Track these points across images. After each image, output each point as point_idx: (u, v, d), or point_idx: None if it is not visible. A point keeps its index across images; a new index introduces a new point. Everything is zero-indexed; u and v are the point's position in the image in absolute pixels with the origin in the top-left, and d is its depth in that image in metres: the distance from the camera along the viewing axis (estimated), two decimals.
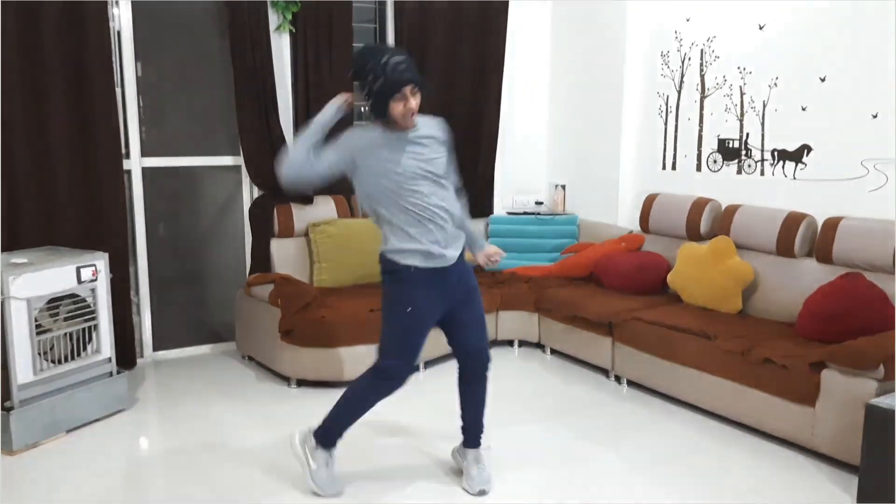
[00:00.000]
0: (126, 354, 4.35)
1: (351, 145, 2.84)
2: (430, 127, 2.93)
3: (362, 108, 4.70)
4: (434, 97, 5.24)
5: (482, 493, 3.05)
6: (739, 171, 4.57)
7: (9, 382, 3.42)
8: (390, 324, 2.94)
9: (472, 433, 3.14)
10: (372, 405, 2.99)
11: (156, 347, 4.80)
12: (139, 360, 4.64)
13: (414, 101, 2.73)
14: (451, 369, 3.16)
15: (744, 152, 4.53)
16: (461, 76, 5.38)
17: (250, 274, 4.80)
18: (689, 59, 4.81)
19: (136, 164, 4.57)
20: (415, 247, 2.82)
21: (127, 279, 4.43)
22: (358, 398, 2.99)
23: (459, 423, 3.16)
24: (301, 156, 2.82)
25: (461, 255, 2.96)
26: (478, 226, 5.44)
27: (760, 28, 4.37)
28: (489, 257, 3.17)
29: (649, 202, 4.93)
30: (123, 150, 4.43)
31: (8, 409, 3.42)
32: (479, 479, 3.07)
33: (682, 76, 4.87)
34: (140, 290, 4.69)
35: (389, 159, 2.78)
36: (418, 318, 2.89)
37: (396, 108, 2.71)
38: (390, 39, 5.26)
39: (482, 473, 3.09)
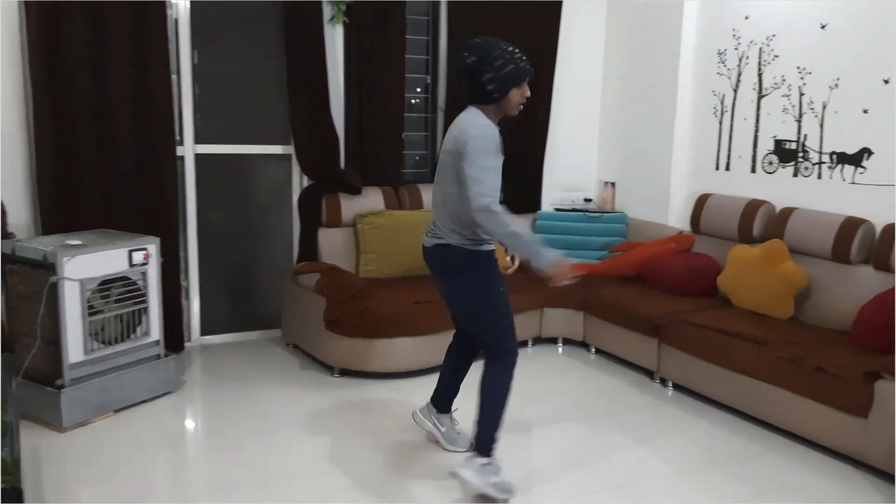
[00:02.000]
0: (174, 338, 4.43)
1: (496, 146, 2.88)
2: None
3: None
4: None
5: (472, 445, 3.05)
6: (796, 174, 4.45)
7: (60, 362, 3.51)
8: (496, 308, 3.02)
9: (450, 400, 3.42)
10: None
11: (203, 332, 4.88)
12: (187, 344, 4.73)
13: (528, 92, 2.93)
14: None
15: (801, 154, 4.41)
16: None
17: (297, 262, 4.85)
18: (747, 57, 4.69)
19: (189, 150, 4.64)
20: (488, 237, 2.97)
21: (177, 264, 4.51)
22: (503, 392, 3.04)
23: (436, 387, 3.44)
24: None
25: None
26: (525, 222, 5.42)
27: (822, 27, 4.24)
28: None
29: (701, 202, 4.84)
30: (177, 137, 4.51)
31: (59, 388, 3.51)
32: (464, 438, 3.38)
33: (739, 75, 4.76)
34: (189, 274, 4.77)
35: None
36: (507, 294, 3.05)
37: (516, 95, 2.89)
38: (443, 33, 5.24)
39: (463, 434, 3.40)
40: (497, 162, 2.83)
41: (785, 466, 3.36)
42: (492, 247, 2.99)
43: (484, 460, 2.94)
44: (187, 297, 4.77)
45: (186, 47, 4.53)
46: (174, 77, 4.45)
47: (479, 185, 2.74)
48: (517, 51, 2.87)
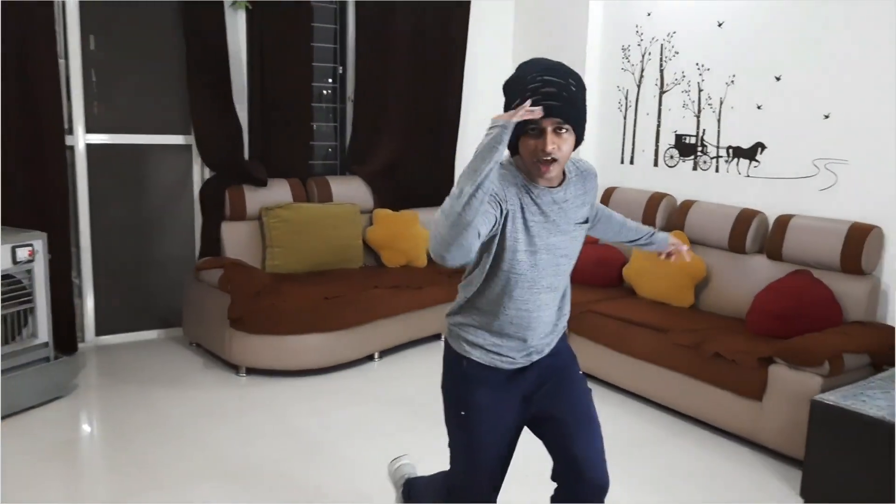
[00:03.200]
0: (66, 339, 4.19)
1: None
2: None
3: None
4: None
5: None
6: (695, 167, 4.60)
7: None
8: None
9: None
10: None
11: (99, 332, 4.64)
12: (80, 345, 4.48)
13: (553, 143, 1.87)
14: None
15: (700, 148, 4.56)
16: (420, 59, 5.29)
17: (200, 258, 4.67)
18: (650, 53, 4.82)
19: (79, 140, 4.39)
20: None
21: (68, 260, 4.25)
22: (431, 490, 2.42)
23: None
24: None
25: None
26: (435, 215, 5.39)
27: (719, 25, 4.39)
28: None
29: (607, 195, 4.94)
30: (66, 126, 4.26)
31: None
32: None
33: (643, 71, 4.88)
34: (83, 271, 4.52)
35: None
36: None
37: (526, 145, 1.92)
38: (351, 19, 5.16)
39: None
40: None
41: (687, 450, 3.47)
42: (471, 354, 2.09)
43: None
44: (80, 296, 4.53)
45: (75, 30, 4.27)
46: (62, 62, 4.20)
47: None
48: (546, 75, 1.99)
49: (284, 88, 4.81)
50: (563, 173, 2.04)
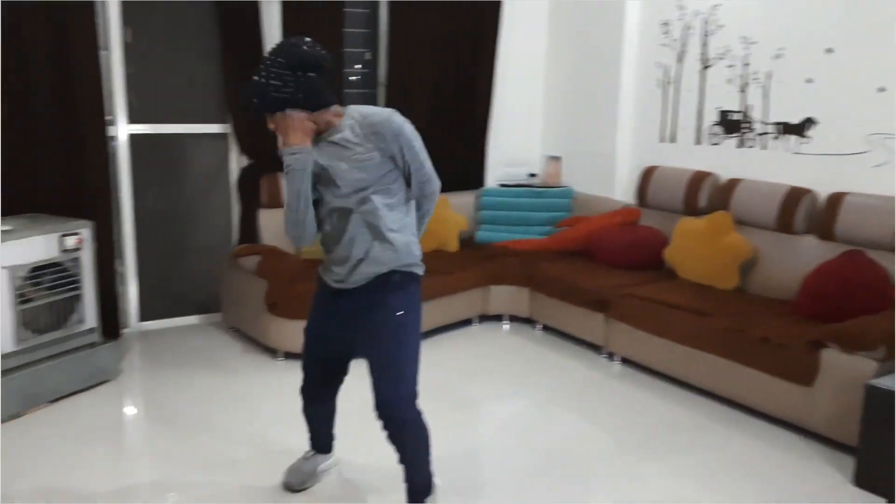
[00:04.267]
0: (111, 325, 4.26)
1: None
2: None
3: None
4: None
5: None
6: (740, 145, 4.47)
7: None
8: (417, 347, 2.55)
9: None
10: None
11: (142, 318, 4.72)
12: (124, 331, 4.56)
13: (273, 125, 2.40)
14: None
15: (745, 125, 4.42)
16: (454, 45, 5.23)
17: (237, 245, 4.70)
18: (691, 28, 4.68)
19: (121, 130, 4.44)
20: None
21: (112, 248, 4.32)
22: (426, 436, 2.60)
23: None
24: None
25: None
26: (468, 198, 5.36)
27: None
28: None
29: (647, 175, 4.83)
30: (108, 117, 4.31)
31: None
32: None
33: (684, 46, 4.74)
34: (125, 259, 4.59)
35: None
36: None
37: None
38: (383, 8, 5.12)
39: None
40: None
41: (731, 437, 3.39)
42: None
43: (430, 495, 2.65)
44: (123, 283, 4.60)
45: (116, 23, 4.31)
46: (103, 54, 4.24)
47: (432, 170, 2.53)
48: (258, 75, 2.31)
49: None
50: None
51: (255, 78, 2.31)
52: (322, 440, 2.94)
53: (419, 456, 2.60)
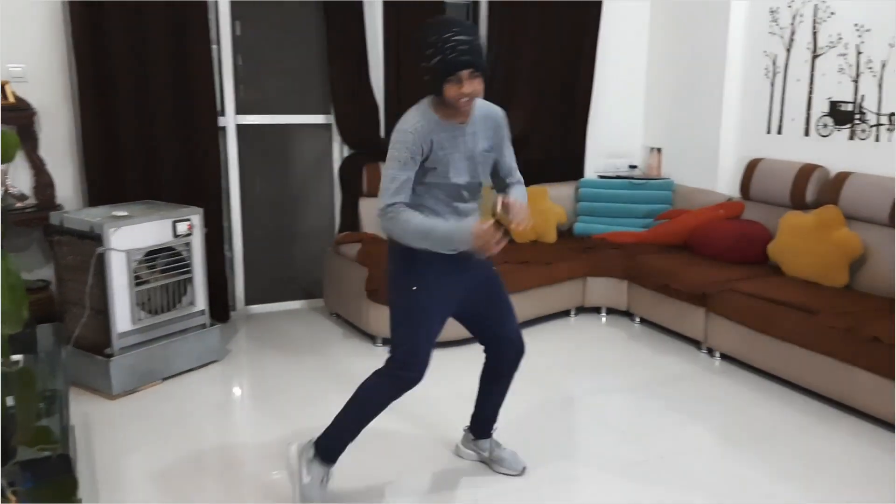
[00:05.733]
0: (219, 308, 4.48)
1: (409, 152, 2.47)
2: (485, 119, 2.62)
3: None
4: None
5: (525, 469, 2.97)
6: (852, 137, 4.27)
7: (109, 331, 3.58)
8: (396, 311, 2.75)
9: (489, 424, 3.00)
10: (383, 407, 2.70)
11: (247, 302, 4.93)
12: (232, 314, 4.78)
13: (469, 87, 2.41)
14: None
15: (857, 116, 4.22)
16: (555, 33, 5.21)
17: (339, 232, 4.85)
18: (801, 15, 4.49)
19: (230, 121, 4.65)
20: None
21: (221, 234, 4.55)
22: (371, 402, 2.71)
23: (472, 412, 3.02)
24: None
25: None
26: (567, 190, 5.33)
27: None
28: None
29: (751, 168, 4.69)
30: (219, 108, 4.52)
31: (108, 356, 3.58)
32: (514, 459, 2.98)
33: (793, 34, 4.56)
34: (234, 245, 4.80)
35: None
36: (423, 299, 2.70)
37: (451, 90, 2.42)
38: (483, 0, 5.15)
39: (513, 454, 3.00)
40: (402, 172, 2.45)
41: (837, 439, 3.26)
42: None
43: (313, 455, 2.68)
44: (231, 268, 4.82)
45: (226, 18, 4.51)
46: (214, 48, 4.45)
47: (381, 190, 2.49)
48: (459, 36, 2.36)
49: (417, 69, 4.84)
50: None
51: (468, 37, 2.37)
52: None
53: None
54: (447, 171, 2.51)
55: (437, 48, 2.38)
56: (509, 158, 2.74)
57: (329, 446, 2.69)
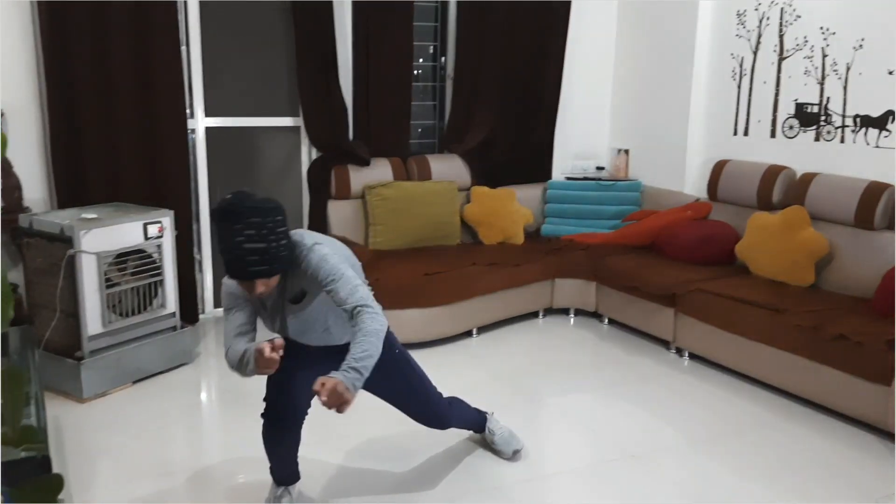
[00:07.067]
0: (189, 310, 4.43)
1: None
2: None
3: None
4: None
5: (517, 452, 3.09)
6: (817, 138, 4.36)
7: (80, 334, 3.53)
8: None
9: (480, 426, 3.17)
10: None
11: (216, 304, 4.89)
12: (201, 317, 4.74)
13: (263, 287, 2.26)
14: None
15: (823, 118, 4.31)
16: (523, 34, 5.23)
17: None
18: (768, 18, 4.57)
19: (200, 123, 4.61)
20: None
21: (190, 237, 4.49)
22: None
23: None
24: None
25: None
26: (535, 191, 5.36)
27: None
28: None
29: (718, 169, 4.76)
30: (188, 110, 4.47)
31: (79, 359, 3.53)
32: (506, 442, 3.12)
33: (760, 37, 4.64)
34: (202, 247, 4.76)
35: None
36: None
37: (242, 285, 2.31)
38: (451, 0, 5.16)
39: (504, 436, 3.12)
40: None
41: (803, 435, 3.33)
42: None
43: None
44: (201, 270, 4.77)
45: (195, 19, 4.47)
46: (183, 49, 4.40)
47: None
48: (247, 244, 2.21)
49: (386, 70, 4.86)
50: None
51: (254, 245, 2.20)
52: None
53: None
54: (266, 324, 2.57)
55: (229, 251, 2.21)
56: (341, 289, 2.38)
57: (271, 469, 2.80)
